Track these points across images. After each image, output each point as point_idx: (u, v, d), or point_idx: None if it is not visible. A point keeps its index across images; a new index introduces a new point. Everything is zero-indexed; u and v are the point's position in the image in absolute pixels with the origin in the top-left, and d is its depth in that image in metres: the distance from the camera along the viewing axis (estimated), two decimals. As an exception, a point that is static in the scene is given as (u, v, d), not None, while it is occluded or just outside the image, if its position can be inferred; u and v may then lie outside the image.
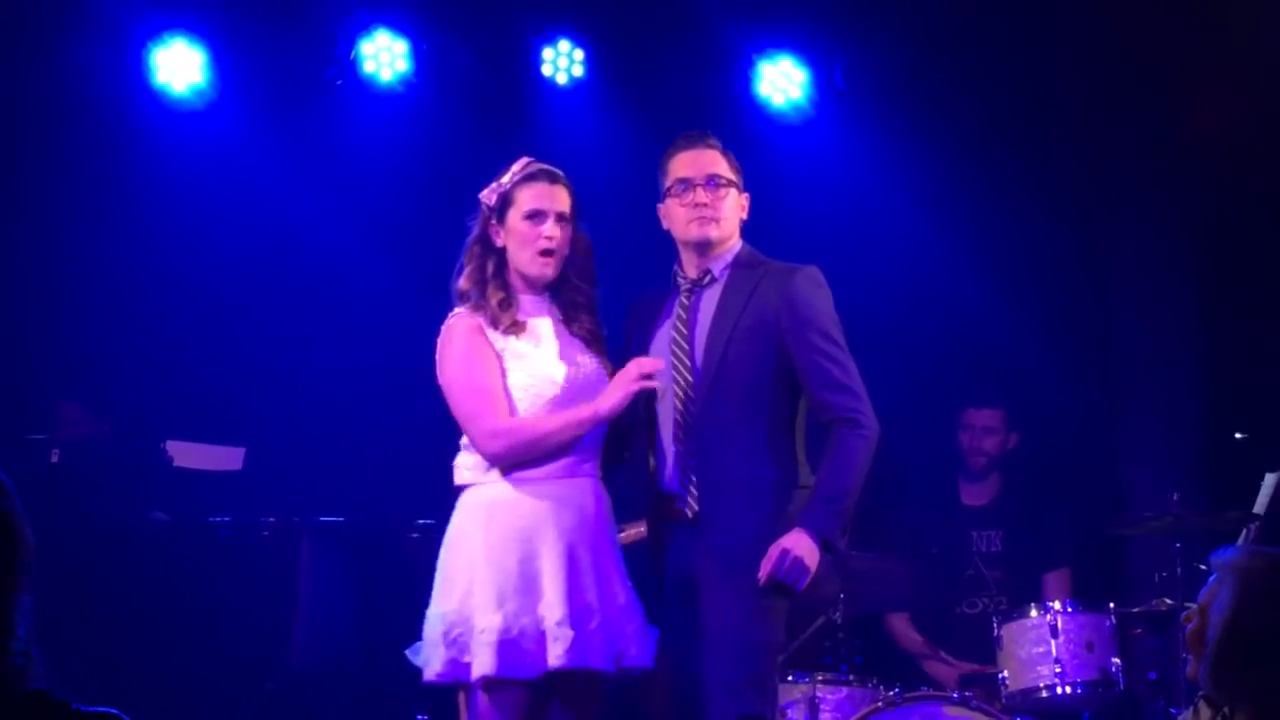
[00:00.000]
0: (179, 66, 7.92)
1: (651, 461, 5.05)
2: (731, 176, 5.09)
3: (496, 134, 7.91)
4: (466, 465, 5.01)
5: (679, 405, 4.98)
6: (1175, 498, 6.67)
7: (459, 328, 4.98)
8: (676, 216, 5.08)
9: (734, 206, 5.10)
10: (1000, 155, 8.26)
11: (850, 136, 8.37)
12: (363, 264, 7.98)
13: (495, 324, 4.96)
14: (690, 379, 4.98)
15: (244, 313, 7.96)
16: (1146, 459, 8.05)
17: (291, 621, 7.15)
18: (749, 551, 4.84)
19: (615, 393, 4.92)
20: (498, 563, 4.82)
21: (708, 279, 5.08)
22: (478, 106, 8.16)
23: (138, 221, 7.88)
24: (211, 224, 7.94)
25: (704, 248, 5.07)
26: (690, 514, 4.94)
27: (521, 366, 4.95)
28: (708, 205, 5.03)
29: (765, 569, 4.80)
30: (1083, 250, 8.41)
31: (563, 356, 4.99)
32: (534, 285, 5.04)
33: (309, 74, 8.06)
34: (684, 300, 5.08)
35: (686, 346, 5.01)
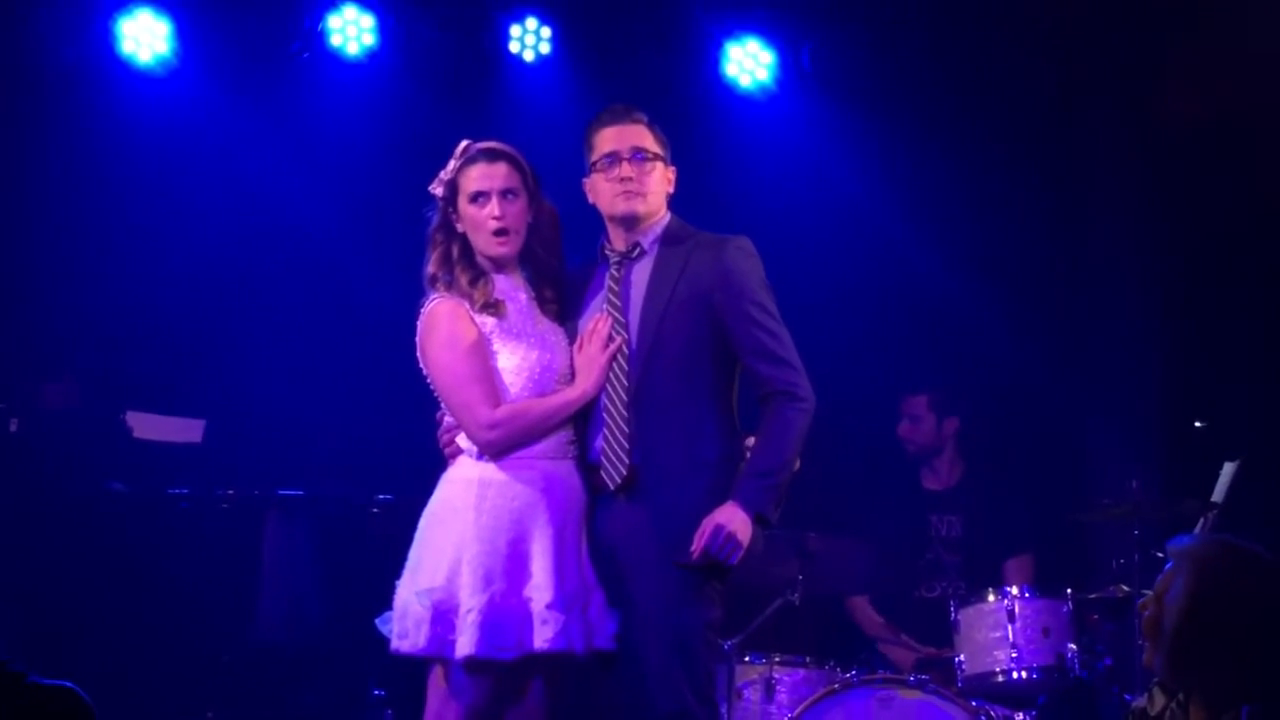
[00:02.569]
0: (144, 36, 7.88)
1: (580, 432, 5.01)
2: (658, 150, 5.07)
3: (462, 110, 7.89)
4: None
5: (614, 379, 4.96)
6: (1135, 485, 6.69)
7: (442, 312, 4.97)
8: (602, 191, 5.06)
9: (660, 180, 5.08)
10: (966, 138, 8.27)
11: (816, 118, 8.37)
12: (327, 237, 7.95)
13: (472, 304, 4.95)
14: (625, 351, 4.96)
15: (205, 284, 7.91)
16: (1107, 446, 8.08)
17: (250, 596, 7.15)
18: (685, 529, 4.83)
19: (593, 369, 4.94)
20: (489, 542, 4.81)
21: (637, 252, 5.07)
22: (444, 82, 8.13)
23: (101, 192, 7.82)
24: (176, 195, 7.89)
25: (630, 222, 5.05)
26: (612, 485, 4.93)
27: (509, 348, 4.95)
28: (633, 180, 5.01)
29: (698, 544, 4.80)
30: (1048, 236, 8.41)
31: (544, 334, 5.00)
32: (501, 265, 5.04)
33: (276, 46, 8.03)
34: (614, 274, 5.06)
35: (622, 320, 5.00)
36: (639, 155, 5.03)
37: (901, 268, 8.32)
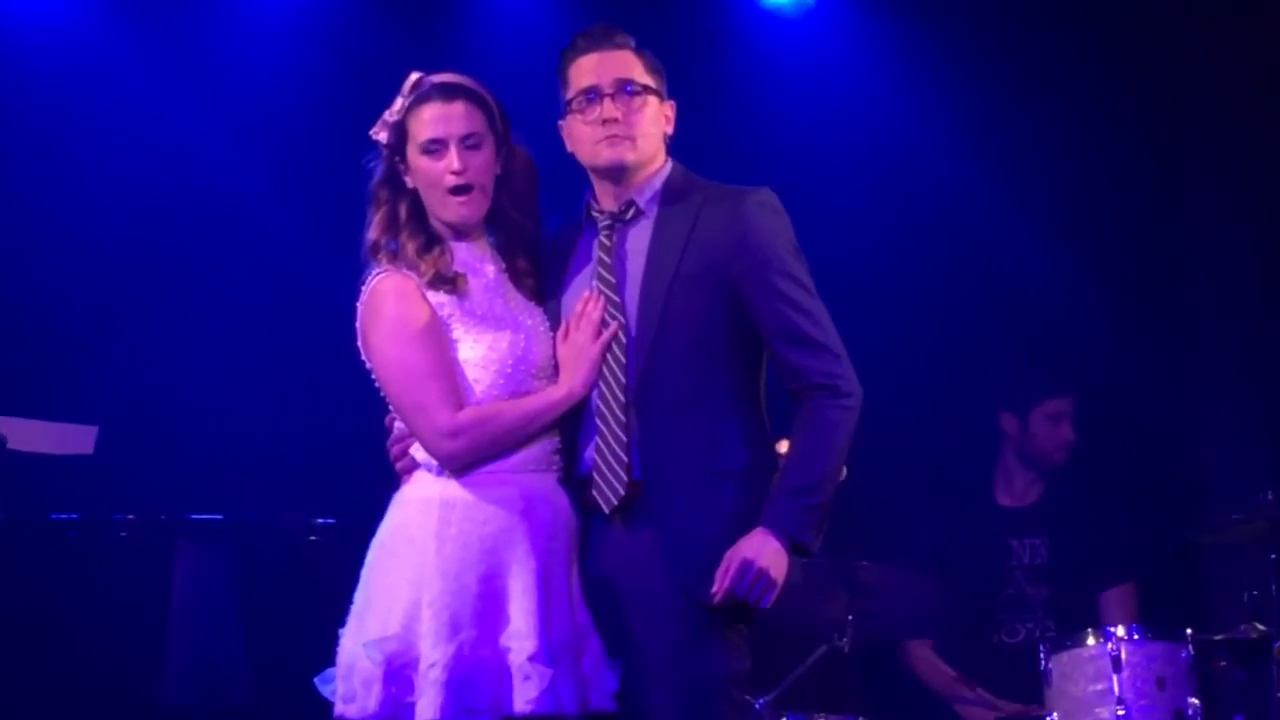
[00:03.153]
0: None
1: (568, 440, 4.97)
2: (649, 81, 5.00)
3: (418, 32, 7.89)
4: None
5: (608, 373, 4.92)
6: (1270, 497, 6.70)
7: (387, 291, 4.91)
8: (581, 137, 4.99)
9: (654, 120, 5.01)
10: (1053, 71, 8.24)
11: (861, 41, 8.36)
12: (248, 195, 7.96)
13: (421, 277, 4.91)
14: (622, 339, 4.93)
15: (97, 257, 7.91)
16: (1231, 447, 8.06)
17: (157, 646, 7.17)
18: (703, 559, 4.78)
19: (583, 364, 4.90)
20: (454, 579, 4.77)
21: (631, 213, 5.01)
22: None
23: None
24: (59, 146, 7.91)
25: (618, 174, 5.00)
26: (607, 507, 4.89)
27: (473, 335, 4.90)
28: (619, 121, 4.95)
29: (721, 584, 4.75)
30: (1153, 192, 8.40)
31: (518, 317, 4.96)
32: (463, 230, 5.00)
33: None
34: (604, 240, 5.01)
35: (617, 299, 4.95)
36: (626, 89, 4.95)
37: (967, 231, 8.33)
